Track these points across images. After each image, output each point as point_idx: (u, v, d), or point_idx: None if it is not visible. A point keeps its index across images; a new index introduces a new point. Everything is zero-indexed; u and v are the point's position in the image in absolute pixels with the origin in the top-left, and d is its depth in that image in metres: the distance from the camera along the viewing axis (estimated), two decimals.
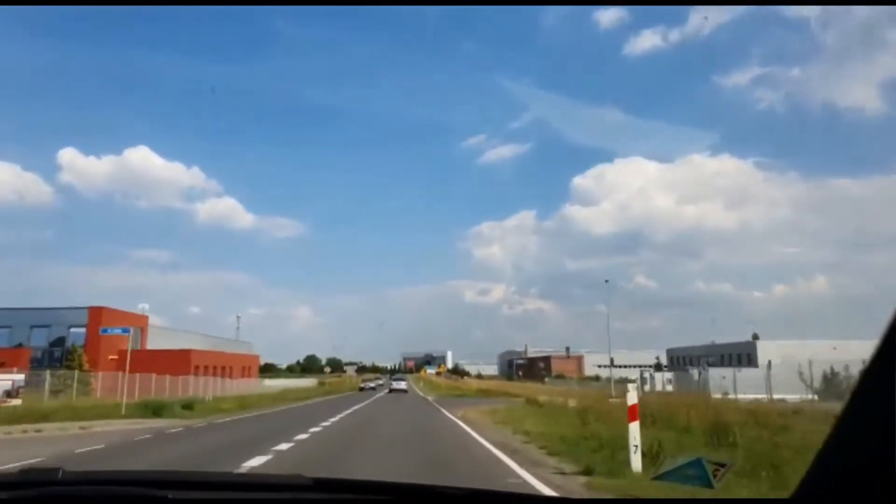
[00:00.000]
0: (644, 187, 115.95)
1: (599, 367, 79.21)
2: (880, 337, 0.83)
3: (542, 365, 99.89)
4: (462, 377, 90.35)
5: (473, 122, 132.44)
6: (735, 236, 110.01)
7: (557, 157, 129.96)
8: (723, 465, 1.92)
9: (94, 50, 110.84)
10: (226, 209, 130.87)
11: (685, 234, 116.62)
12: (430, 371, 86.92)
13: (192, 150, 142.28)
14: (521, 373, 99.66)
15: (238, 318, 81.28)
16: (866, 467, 0.86)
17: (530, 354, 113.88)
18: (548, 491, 6.17)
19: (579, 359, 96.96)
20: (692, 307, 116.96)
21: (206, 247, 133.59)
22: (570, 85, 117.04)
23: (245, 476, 1.50)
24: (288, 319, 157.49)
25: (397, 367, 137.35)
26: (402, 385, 49.58)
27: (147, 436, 12.75)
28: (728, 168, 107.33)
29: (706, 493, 1.95)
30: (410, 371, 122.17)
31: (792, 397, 21.29)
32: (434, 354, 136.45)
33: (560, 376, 75.73)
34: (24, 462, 8.21)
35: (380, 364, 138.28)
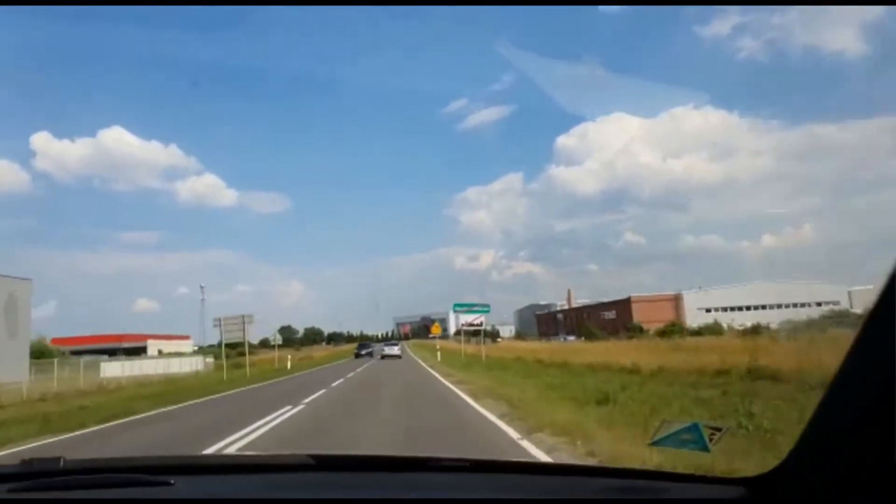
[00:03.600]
0: (628, 144, 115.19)
1: (709, 311, 62.06)
2: (877, 294, 0.78)
3: (586, 315, 78.99)
4: (494, 340, 60.46)
5: (454, 87, 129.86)
6: (721, 188, 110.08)
7: (540, 117, 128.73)
8: (719, 429, 1.96)
9: (56, 26, 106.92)
10: (207, 187, 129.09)
11: (671, 188, 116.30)
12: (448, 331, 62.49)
13: (168, 128, 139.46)
14: (562, 334, 75.13)
15: (202, 287, 78.56)
16: (861, 437, 0.84)
17: (576, 303, 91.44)
18: None
19: (675, 299, 68.14)
20: (681, 261, 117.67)
21: (191, 226, 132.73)
22: (550, 44, 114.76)
23: (247, 457, 1.54)
24: (280, 295, 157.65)
25: (391, 334, 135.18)
26: (395, 350, 46.23)
27: None
28: (712, 120, 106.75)
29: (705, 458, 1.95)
30: (406, 337, 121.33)
31: None
32: (433, 317, 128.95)
33: (636, 328, 54.96)
34: None
35: (370, 333, 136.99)
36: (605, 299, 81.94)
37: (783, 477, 1.03)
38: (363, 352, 52.63)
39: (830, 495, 0.89)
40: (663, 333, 43.67)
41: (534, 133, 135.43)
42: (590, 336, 54.73)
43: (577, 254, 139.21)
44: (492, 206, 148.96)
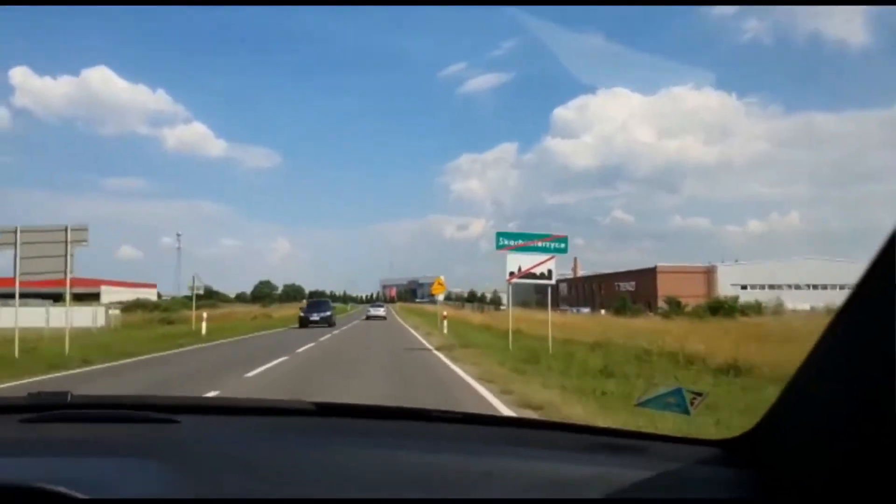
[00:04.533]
0: (626, 120, 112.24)
1: (744, 287, 56.19)
2: (868, 265, 0.79)
3: (597, 286, 73.35)
4: (497, 308, 57.49)
5: (454, 49, 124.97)
6: (714, 170, 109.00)
7: (539, 87, 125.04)
8: (699, 395, 2.13)
9: None
10: (196, 135, 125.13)
11: (665, 167, 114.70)
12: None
13: (156, 72, 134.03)
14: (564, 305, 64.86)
15: (178, 235, 75.79)
16: (837, 399, 0.86)
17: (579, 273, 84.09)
18: None
19: (707, 272, 63.80)
20: (666, 240, 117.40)
21: (177, 175, 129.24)
22: (556, 11, 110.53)
23: (251, 400, 1.62)
24: (266, 252, 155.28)
25: (375, 296, 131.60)
26: (381, 311, 44.96)
27: None
28: (711, 102, 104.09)
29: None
30: (392, 301, 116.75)
31: None
32: (421, 281, 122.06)
33: (672, 301, 47.05)
34: None
35: (354, 294, 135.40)
36: (590, 272, 79.13)
37: (759, 437, 1.08)
38: (314, 317, 31.30)
39: (806, 453, 0.93)
40: (715, 311, 35.37)
41: (532, 103, 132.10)
42: (620, 309, 44.67)
43: (565, 227, 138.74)
44: (485, 174, 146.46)
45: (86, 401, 1.40)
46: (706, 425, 5.44)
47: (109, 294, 64.23)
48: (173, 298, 62.89)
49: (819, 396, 0.92)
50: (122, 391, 9.79)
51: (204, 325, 24.82)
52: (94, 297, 60.29)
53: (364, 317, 44.92)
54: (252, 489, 1.01)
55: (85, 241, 15.26)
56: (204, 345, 19.49)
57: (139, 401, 1.52)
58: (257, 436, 1.27)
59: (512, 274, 15.26)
